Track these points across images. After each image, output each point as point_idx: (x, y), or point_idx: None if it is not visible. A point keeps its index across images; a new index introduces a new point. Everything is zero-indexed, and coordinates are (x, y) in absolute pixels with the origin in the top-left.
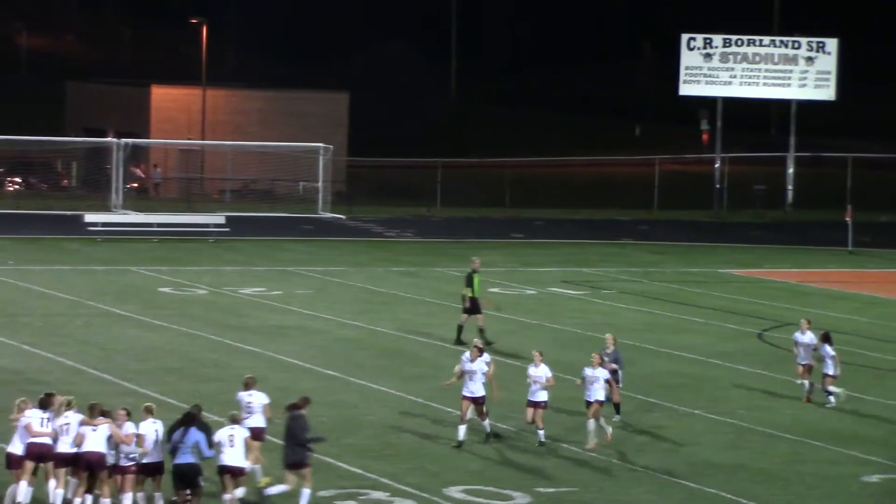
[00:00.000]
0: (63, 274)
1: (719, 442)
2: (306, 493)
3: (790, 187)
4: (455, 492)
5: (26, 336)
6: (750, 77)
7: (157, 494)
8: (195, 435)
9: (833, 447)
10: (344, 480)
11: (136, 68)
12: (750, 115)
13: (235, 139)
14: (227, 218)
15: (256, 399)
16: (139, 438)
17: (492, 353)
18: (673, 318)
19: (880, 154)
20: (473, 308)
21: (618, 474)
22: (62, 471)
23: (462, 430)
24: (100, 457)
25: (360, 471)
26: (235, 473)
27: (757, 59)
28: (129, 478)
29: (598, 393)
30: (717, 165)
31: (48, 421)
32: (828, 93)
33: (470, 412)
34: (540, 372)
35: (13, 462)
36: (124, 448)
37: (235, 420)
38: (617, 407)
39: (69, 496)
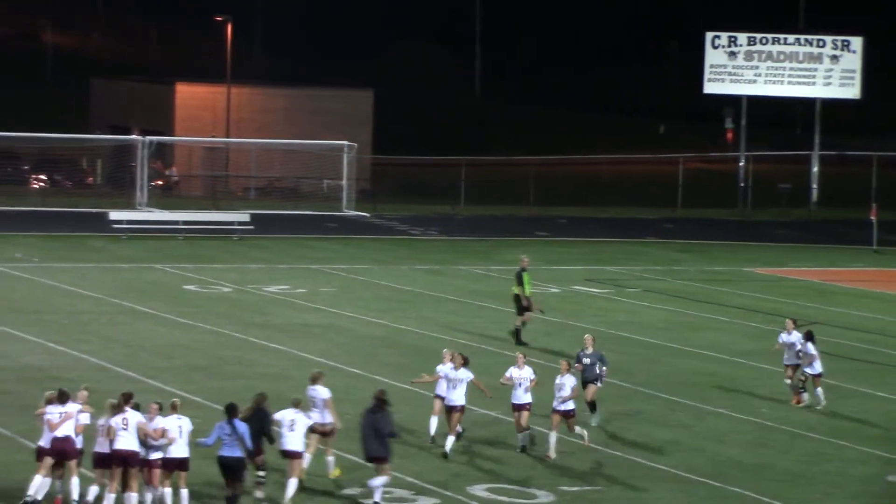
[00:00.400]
0: (88, 271)
1: (743, 441)
2: (381, 480)
3: (815, 186)
4: (479, 490)
5: (51, 334)
6: (774, 75)
7: (184, 491)
8: (241, 427)
9: (858, 446)
10: (368, 478)
11: (161, 66)
12: (774, 113)
13: (260, 137)
14: (252, 216)
15: (319, 394)
16: (162, 432)
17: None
18: (696, 317)
19: None
20: (524, 306)
21: (641, 473)
22: (100, 471)
23: (434, 423)
24: (132, 453)
25: None
26: (294, 457)
27: (781, 57)
28: (156, 472)
29: (564, 403)
30: (741, 164)
31: (61, 416)
32: (853, 91)
33: (442, 417)
34: (525, 374)
35: (41, 456)
36: (150, 441)
37: (298, 404)
38: (592, 406)
39: (89, 497)
